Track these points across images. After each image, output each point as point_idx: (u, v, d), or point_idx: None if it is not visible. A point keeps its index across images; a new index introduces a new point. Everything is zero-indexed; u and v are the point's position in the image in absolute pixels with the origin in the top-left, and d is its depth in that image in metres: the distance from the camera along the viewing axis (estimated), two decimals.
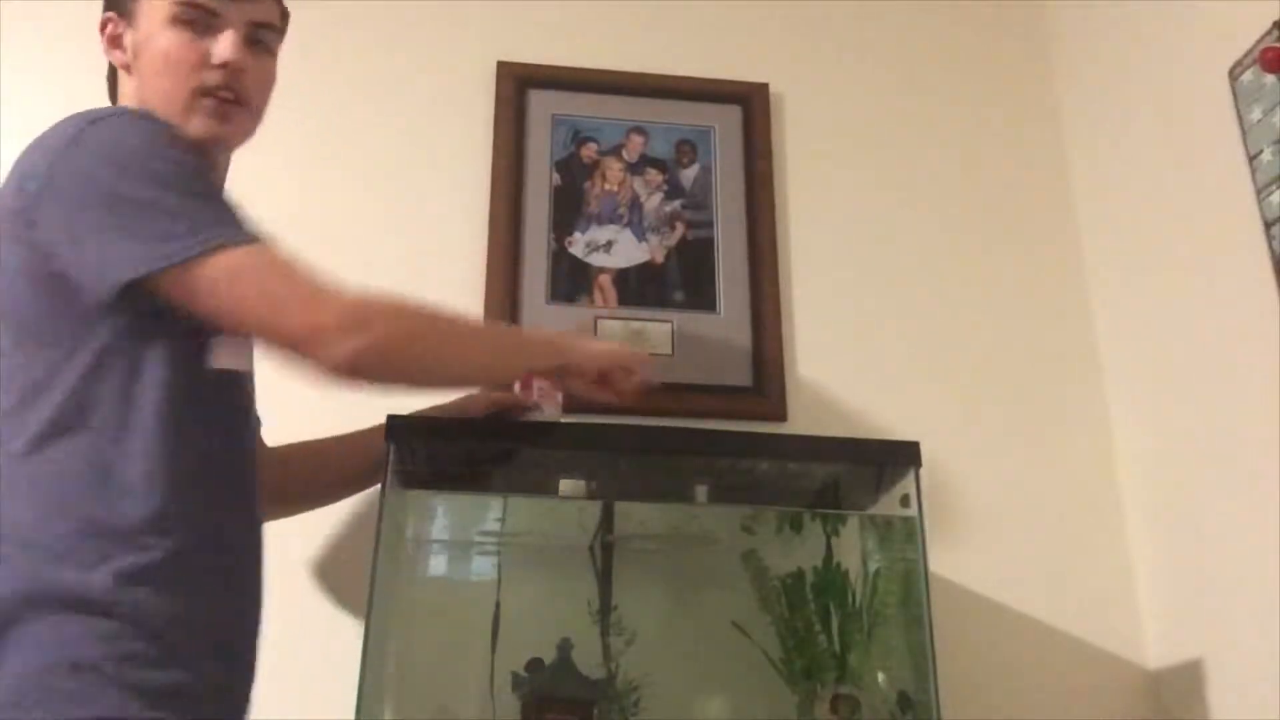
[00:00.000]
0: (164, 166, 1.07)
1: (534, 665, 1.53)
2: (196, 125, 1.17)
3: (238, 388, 1.18)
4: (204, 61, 1.17)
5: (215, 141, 1.20)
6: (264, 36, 1.24)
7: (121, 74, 1.25)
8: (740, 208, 2.07)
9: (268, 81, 1.28)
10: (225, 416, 1.14)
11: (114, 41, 1.23)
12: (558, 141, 2.08)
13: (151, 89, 1.18)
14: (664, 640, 1.71)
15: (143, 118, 1.14)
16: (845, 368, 1.98)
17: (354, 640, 1.44)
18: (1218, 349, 1.72)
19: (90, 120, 1.08)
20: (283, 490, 1.41)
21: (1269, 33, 1.61)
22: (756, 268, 2.01)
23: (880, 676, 1.59)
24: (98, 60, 1.30)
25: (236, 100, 1.19)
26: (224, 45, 1.18)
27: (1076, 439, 1.99)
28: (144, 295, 1.02)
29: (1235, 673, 1.63)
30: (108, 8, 1.25)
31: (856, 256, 2.08)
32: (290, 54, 2.09)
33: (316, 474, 1.50)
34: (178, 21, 1.17)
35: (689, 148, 2.11)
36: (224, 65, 1.17)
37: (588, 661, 1.57)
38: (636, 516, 1.72)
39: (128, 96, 1.23)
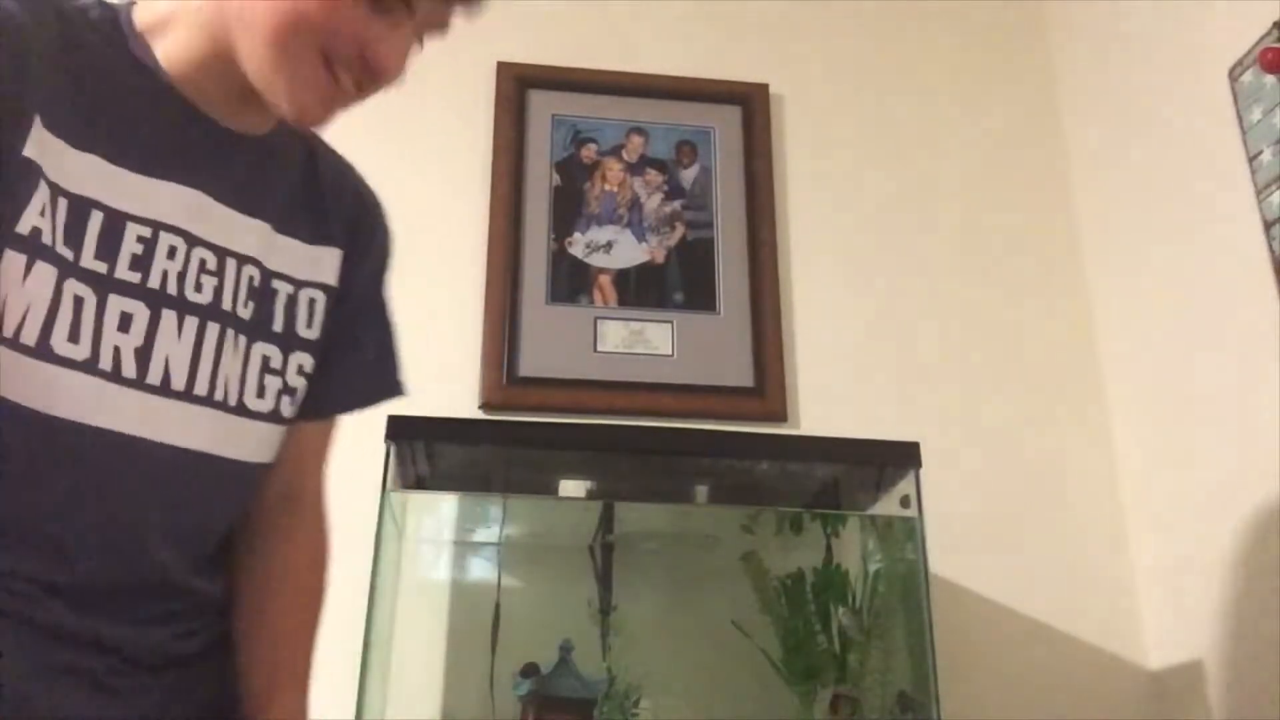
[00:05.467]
0: None
1: (530, 670, 1.53)
2: (288, 95, 0.84)
3: None
4: (357, 42, 0.83)
5: (289, 121, 0.89)
6: (427, 35, 0.89)
7: None
8: (740, 208, 2.07)
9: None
10: None
11: None
12: (558, 142, 2.08)
13: (261, 5, 0.82)
14: (664, 640, 1.71)
15: None
16: (845, 368, 1.98)
17: (354, 640, 1.44)
18: (1218, 349, 1.72)
19: None
20: None
21: (1269, 33, 1.61)
22: (756, 268, 2.02)
23: (841, 612, 1.60)
24: None
25: (353, 97, 0.87)
26: (388, 56, 0.84)
27: (1076, 439, 1.99)
28: None
29: (1235, 673, 1.63)
30: None
31: (856, 256, 2.08)
32: None
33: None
34: None
35: (689, 148, 2.11)
36: (376, 68, 0.84)
37: (588, 662, 1.57)
38: (636, 517, 1.72)
39: None
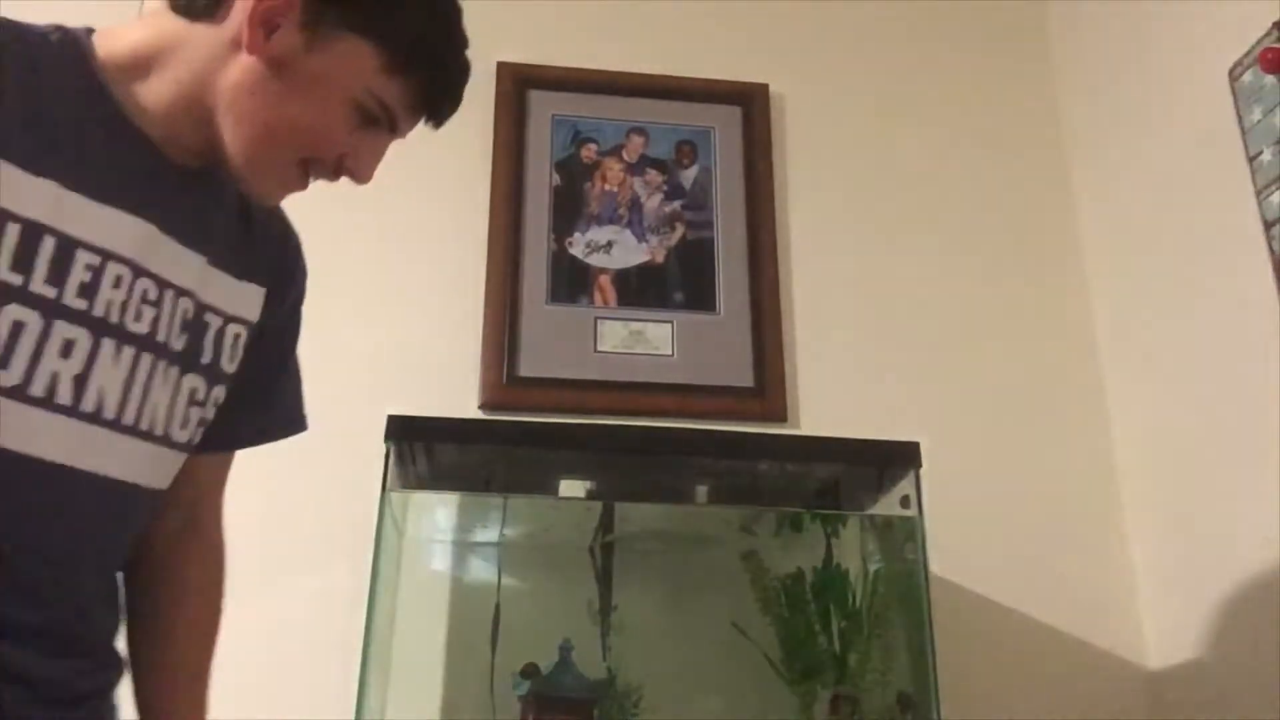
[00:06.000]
0: None
1: (530, 670, 1.53)
2: (259, 184, 0.92)
3: None
4: (335, 152, 0.91)
5: (247, 195, 0.97)
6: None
7: (209, 31, 0.88)
8: (740, 208, 2.07)
9: None
10: None
11: (264, 19, 0.86)
12: (558, 142, 2.08)
13: (255, 104, 0.87)
14: (664, 640, 1.71)
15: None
16: (845, 368, 1.98)
17: (354, 640, 1.44)
18: (1218, 349, 1.72)
19: None
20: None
21: (1269, 33, 1.61)
22: (756, 268, 2.01)
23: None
24: None
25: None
26: (366, 166, 0.93)
27: (1076, 439, 1.99)
28: None
29: (1235, 673, 1.63)
30: None
31: (856, 256, 2.08)
32: None
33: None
34: (355, 102, 0.89)
35: (689, 148, 2.11)
36: (354, 176, 0.93)
37: (588, 662, 1.57)
38: (636, 517, 1.72)
39: (196, 57, 0.88)
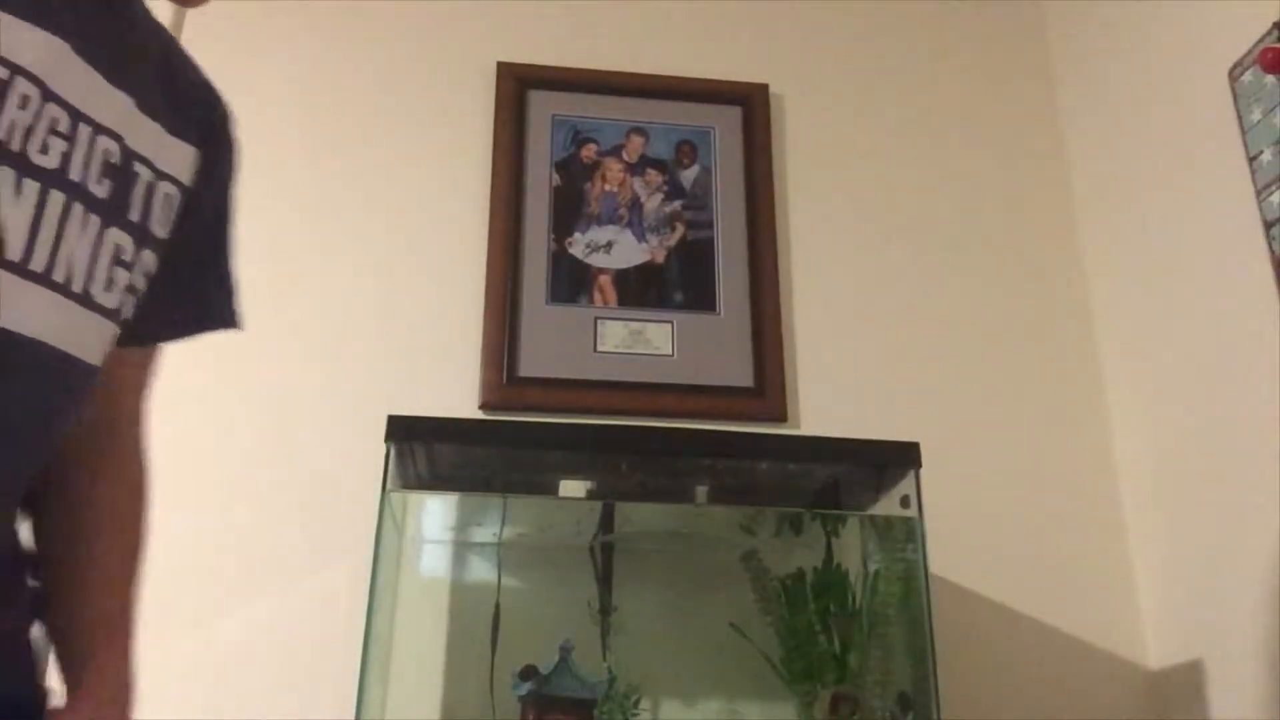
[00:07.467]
0: None
1: (529, 672, 1.53)
2: None
3: None
4: None
5: None
6: None
7: None
8: (740, 208, 2.07)
9: None
10: None
11: None
12: (558, 142, 2.08)
13: None
14: (664, 640, 1.71)
15: None
16: (845, 368, 1.98)
17: (354, 640, 1.44)
18: (1218, 349, 1.72)
19: None
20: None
21: (1269, 33, 1.61)
22: (756, 268, 2.01)
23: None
24: None
25: None
26: None
27: (1076, 439, 1.99)
28: None
29: (1235, 673, 1.63)
30: None
31: (856, 256, 2.08)
32: (291, 55, 2.10)
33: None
34: None
35: (689, 148, 2.11)
36: None
37: (588, 662, 1.58)
38: (636, 517, 1.72)
39: None
